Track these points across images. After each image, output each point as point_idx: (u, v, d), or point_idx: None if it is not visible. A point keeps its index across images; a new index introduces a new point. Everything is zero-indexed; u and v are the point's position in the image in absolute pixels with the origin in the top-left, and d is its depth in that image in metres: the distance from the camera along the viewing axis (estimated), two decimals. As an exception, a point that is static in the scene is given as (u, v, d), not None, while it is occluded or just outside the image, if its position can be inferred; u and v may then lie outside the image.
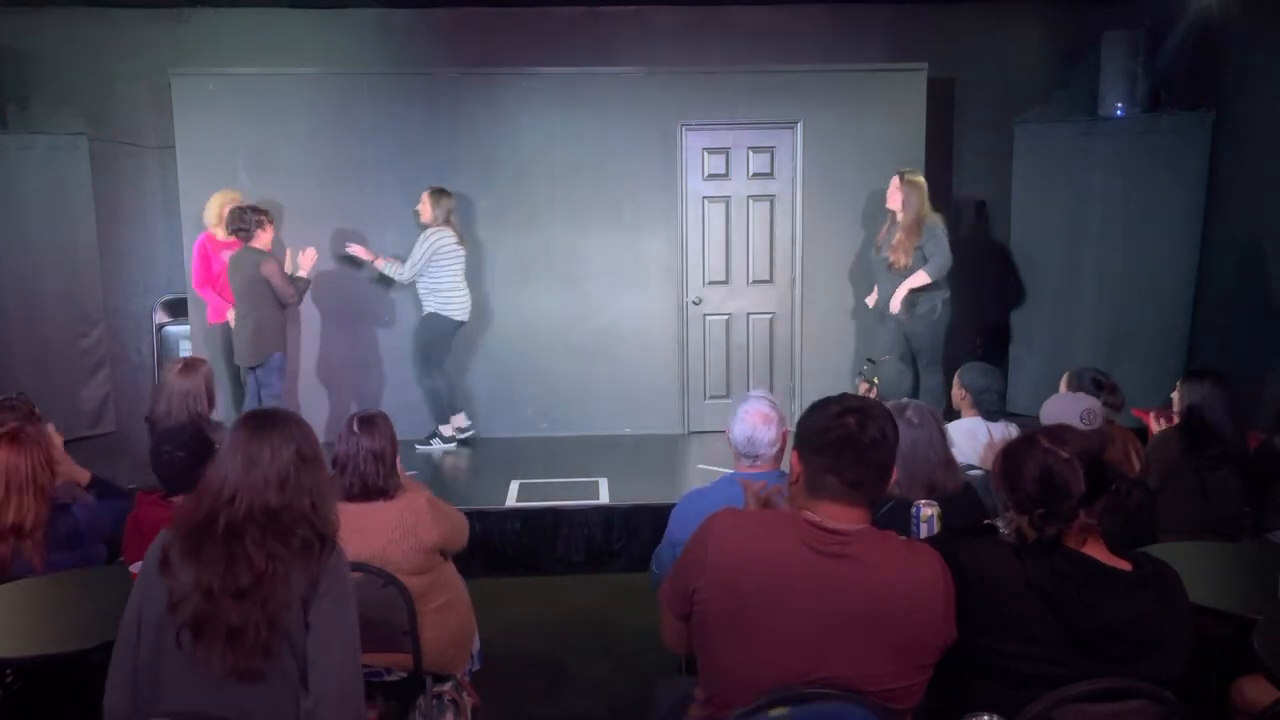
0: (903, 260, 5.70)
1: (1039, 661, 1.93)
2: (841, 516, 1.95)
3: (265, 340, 5.64)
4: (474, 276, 6.42)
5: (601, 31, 6.78)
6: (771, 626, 1.90)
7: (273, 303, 5.62)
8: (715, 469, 5.39)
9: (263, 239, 5.65)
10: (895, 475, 2.06)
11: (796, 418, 2.13)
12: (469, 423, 6.35)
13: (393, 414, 3.11)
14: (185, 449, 3.11)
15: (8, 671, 2.69)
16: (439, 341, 6.13)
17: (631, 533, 5.05)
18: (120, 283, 6.88)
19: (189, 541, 2.00)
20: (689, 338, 6.73)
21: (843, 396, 2.06)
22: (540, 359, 6.61)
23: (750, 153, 6.61)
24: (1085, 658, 1.91)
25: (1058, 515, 1.97)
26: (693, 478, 5.67)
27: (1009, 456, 2.06)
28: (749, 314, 6.77)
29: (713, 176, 6.63)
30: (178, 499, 3.04)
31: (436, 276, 5.98)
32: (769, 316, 6.78)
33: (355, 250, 6.19)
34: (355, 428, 2.93)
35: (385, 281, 6.29)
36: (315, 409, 6.39)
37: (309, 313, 6.41)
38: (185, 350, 6.56)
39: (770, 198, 6.66)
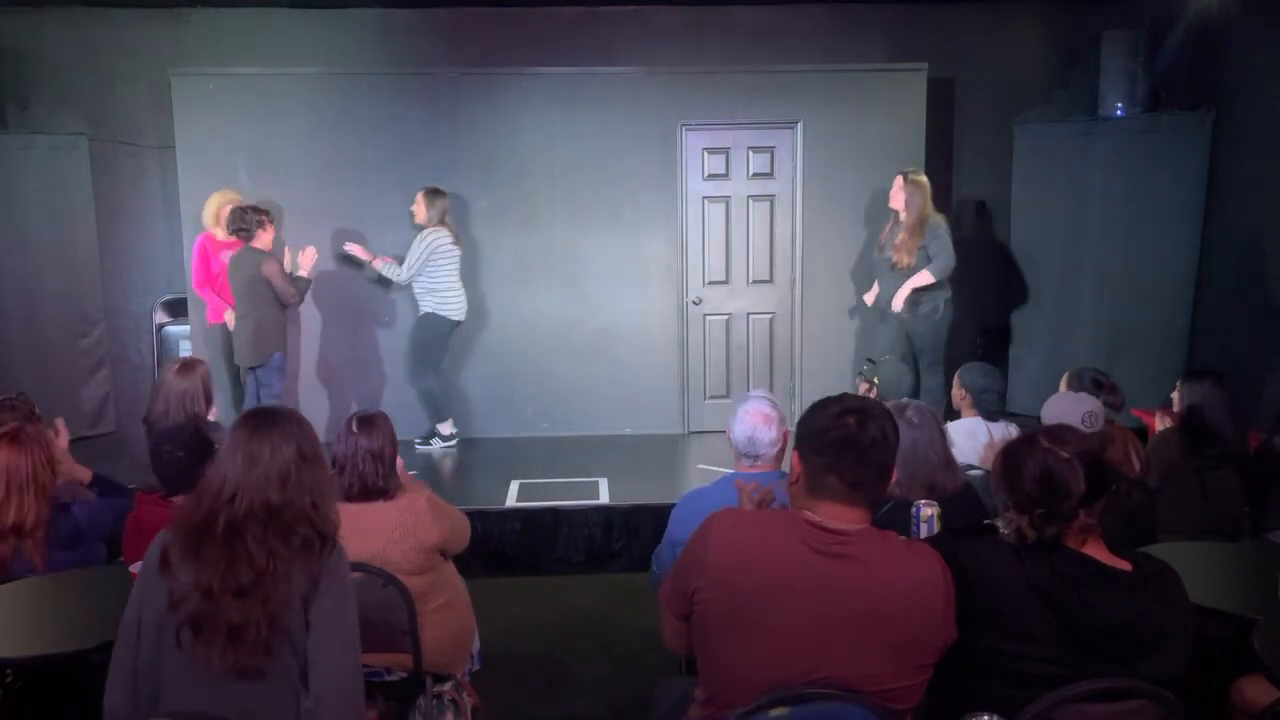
0: (906, 260, 5.71)
1: (1039, 661, 1.93)
2: (842, 516, 1.95)
3: (266, 340, 5.64)
4: (474, 276, 6.42)
5: (601, 31, 6.79)
6: (771, 626, 1.90)
7: (273, 303, 5.62)
8: (715, 469, 5.40)
9: (263, 239, 5.65)
10: (895, 475, 2.06)
11: (797, 418, 2.13)
12: (454, 430, 6.34)
13: (393, 414, 3.11)
14: (185, 449, 3.11)
15: (8, 671, 2.69)
16: (436, 342, 6.13)
17: (631, 533, 5.05)
18: (120, 283, 6.88)
19: (189, 541, 2.00)
20: (689, 338, 6.73)
21: (843, 396, 2.06)
22: (540, 359, 6.62)
23: (750, 153, 6.61)
24: (1085, 658, 1.91)
25: (1058, 515, 1.97)
26: (693, 478, 5.67)
27: (1009, 456, 2.06)
28: (749, 314, 6.77)
29: (713, 176, 6.63)
30: (178, 499, 3.04)
31: (434, 277, 5.98)
32: (769, 316, 6.78)
33: (353, 250, 6.19)
34: (354, 428, 2.93)
35: (385, 282, 6.29)
36: (315, 409, 6.39)
37: (309, 313, 6.41)
38: (185, 350, 6.56)
39: (770, 198, 6.67)
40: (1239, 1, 5.77)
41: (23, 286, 6.40)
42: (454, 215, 6.19)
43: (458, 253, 6.04)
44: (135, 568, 2.38)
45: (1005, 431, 4.30)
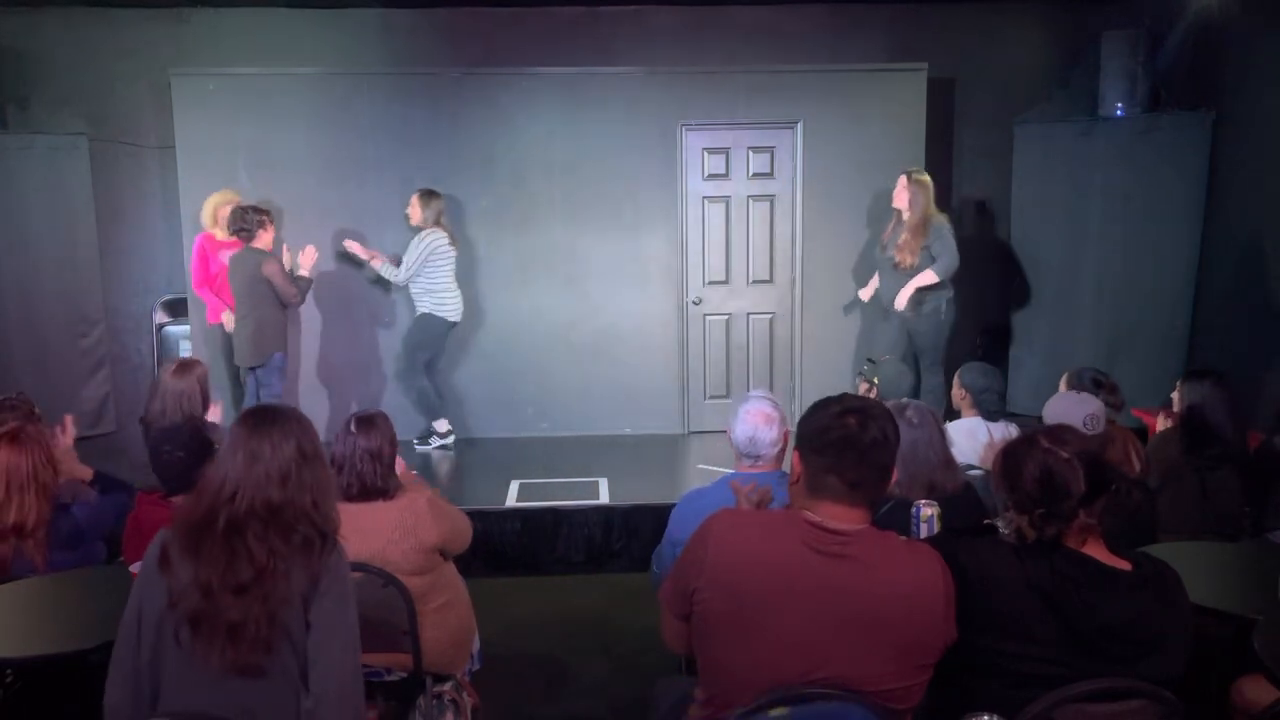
0: (909, 260, 5.71)
1: (1039, 661, 1.93)
2: (842, 517, 1.95)
3: (266, 341, 5.64)
4: (473, 276, 6.42)
5: (601, 31, 6.78)
6: (771, 626, 1.90)
7: (274, 303, 5.62)
8: (715, 469, 5.39)
9: (264, 239, 5.65)
10: (895, 475, 2.06)
11: (797, 418, 2.13)
12: (449, 428, 6.34)
13: (393, 414, 3.11)
14: (185, 449, 3.11)
15: (8, 671, 2.69)
16: (431, 342, 6.13)
17: (631, 533, 5.05)
18: (120, 283, 6.88)
19: (189, 539, 2.00)
20: (689, 338, 6.72)
21: (843, 396, 2.07)
22: (540, 359, 6.61)
23: (750, 153, 6.61)
24: (1085, 658, 1.91)
25: (1058, 515, 1.97)
26: (693, 478, 5.67)
27: (1009, 456, 2.06)
28: (749, 314, 6.77)
29: (713, 176, 6.63)
30: (178, 499, 3.04)
31: (432, 278, 5.98)
32: (769, 316, 6.78)
33: (352, 247, 6.19)
34: (353, 427, 2.93)
35: (385, 282, 6.28)
36: (315, 409, 6.38)
37: (309, 313, 6.41)
38: (185, 350, 6.56)
39: (770, 198, 6.66)
40: (1239, 1, 5.77)
41: (23, 286, 6.40)
42: (452, 215, 6.19)
43: (454, 254, 6.04)
44: (135, 568, 2.38)
45: (1005, 431, 4.31)
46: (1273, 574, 2.64)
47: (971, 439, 4.24)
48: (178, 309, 6.74)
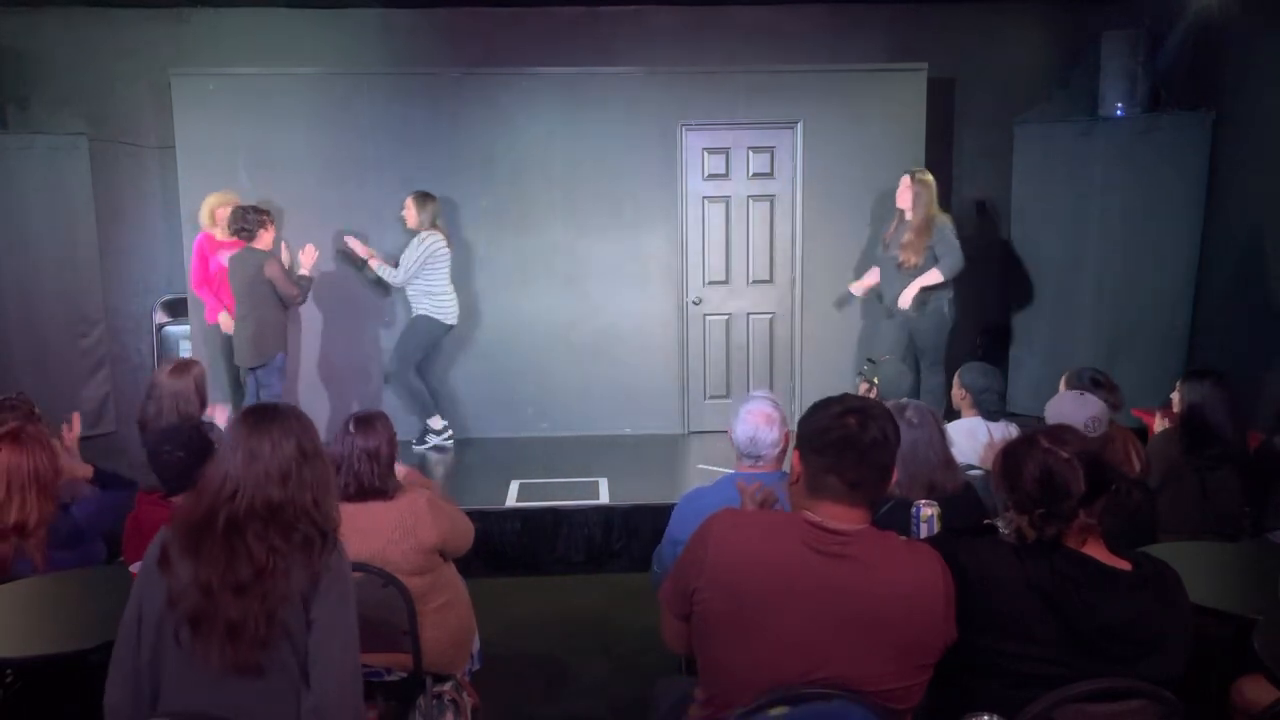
0: (913, 260, 5.71)
1: (1039, 661, 1.93)
2: (842, 517, 1.95)
3: (267, 341, 5.64)
4: (473, 276, 6.43)
5: (601, 31, 6.78)
6: (771, 626, 1.90)
7: (274, 303, 5.61)
8: (715, 469, 5.39)
9: (265, 239, 5.65)
10: (895, 475, 2.06)
11: (797, 418, 2.13)
12: (445, 424, 6.34)
13: (393, 414, 3.12)
14: (185, 449, 3.11)
15: (8, 671, 2.69)
16: (428, 344, 6.13)
17: (631, 533, 5.05)
18: (120, 283, 6.88)
19: (188, 538, 2.00)
20: (689, 338, 6.72)
21: (844, 397, 2.07)
22: (540, 359, 6.61)
23: (750, 153, 6.61)
24: (1085, 658, 1.91)
25: (1058, 515, 1.97)
26: (693, 478, 5.66)
27: (1009, 456, 2.06)
28: (749, 314, 6.77)
29: (713, 176, 6.63)
30: (177, 499, 3.04)
31: (431, 280, 5.98)
32: (769, 316, 6.78)
33: (352, 244, 6.19)
34: (351, 427, 2.93)
35: (385, 282, 6.28)
36: (315, 409, 6.38)
37: (309, 313, 6.41)
38: (185, 350, 6.56)
39: (770, 198, 6.66)
40: (1239, 1, 5.77)
41: (23, 286, 6.40)
42: (452, 215, 6.19)
43: (450, 255, 6.04)
44: (135, 567, 2.38)
45: (1005, 431, 4.30)
46: (1273, 574, 2.65)
47: (971, 439, 4.24)
48: (178, 309, 6.74)
